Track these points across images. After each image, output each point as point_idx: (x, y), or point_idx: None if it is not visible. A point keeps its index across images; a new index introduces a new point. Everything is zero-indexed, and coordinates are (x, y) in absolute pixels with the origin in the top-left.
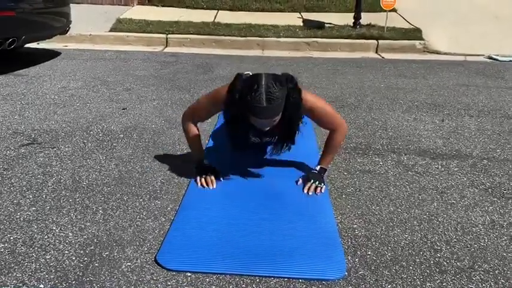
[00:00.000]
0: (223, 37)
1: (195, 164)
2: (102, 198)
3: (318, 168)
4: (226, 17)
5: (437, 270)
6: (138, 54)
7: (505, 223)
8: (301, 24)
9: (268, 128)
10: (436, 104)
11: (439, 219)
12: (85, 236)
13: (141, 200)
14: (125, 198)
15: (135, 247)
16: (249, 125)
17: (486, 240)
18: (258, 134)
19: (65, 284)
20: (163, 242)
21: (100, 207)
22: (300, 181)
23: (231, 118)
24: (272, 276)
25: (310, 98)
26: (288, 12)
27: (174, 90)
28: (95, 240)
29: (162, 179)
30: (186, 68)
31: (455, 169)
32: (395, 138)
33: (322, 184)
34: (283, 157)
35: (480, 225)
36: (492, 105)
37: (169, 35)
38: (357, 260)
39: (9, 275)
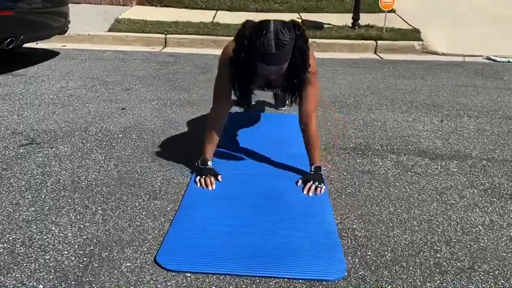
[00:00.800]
0: (222, 37)
1: (197, 162)
2: (102, 199)
3: (312, 168)
4: (225, 17)
5: (437, 270)
6: (137, 54)
7: (505, 223)
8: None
9: (274, 77)
10: (435, 105)
11: (439, 220)
12: (84, 236)
13: (141, 200)
14: (124, 199)
15: (134, 247)
16: (255, 76)
17: (486, 241)
18: (263, 85)
19: (65, 284)
20: (163, 242)
21: (99, 208)
22: (300, 182)
23: (238, 68)
24: (272, 277)
25: (312, 60)
26: (287, 12)
27: (173, 90)
28: (95, 240)
29: (161, 179)
30: (185, 69)
31: (455, 170)
32: (395, 139)
33: (322, 184)
34: (283, 159)
35: (480, 225)
36: (491, 106)
37: (168, 35)
38: (357, 260)
39: (8, 275)
